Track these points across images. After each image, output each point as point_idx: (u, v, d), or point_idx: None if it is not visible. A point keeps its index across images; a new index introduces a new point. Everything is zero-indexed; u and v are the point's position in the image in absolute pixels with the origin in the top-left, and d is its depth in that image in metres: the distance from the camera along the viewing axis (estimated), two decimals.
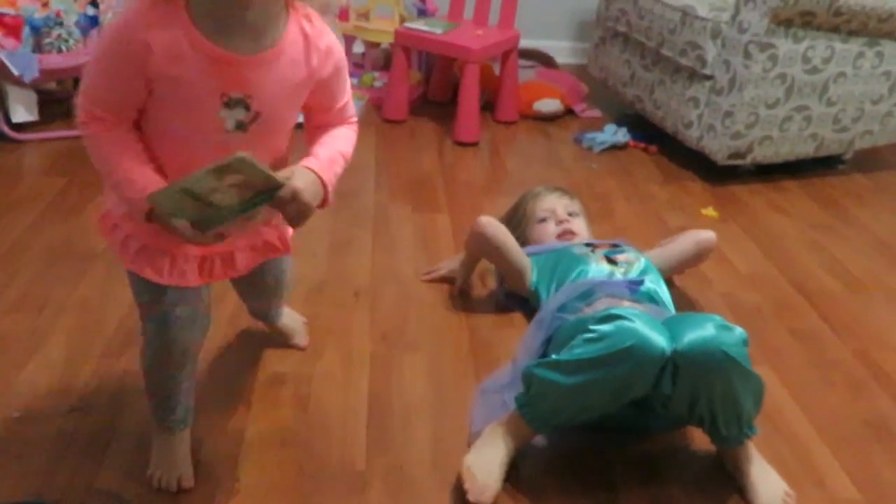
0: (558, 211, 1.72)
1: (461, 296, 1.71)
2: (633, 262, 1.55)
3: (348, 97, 1.04)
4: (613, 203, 2.22)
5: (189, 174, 0.81)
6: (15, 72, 2.09)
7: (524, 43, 2.83)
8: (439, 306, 1.67)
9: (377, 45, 2.95)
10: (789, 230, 2.16)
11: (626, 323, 1.12)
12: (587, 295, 1.41)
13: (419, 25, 2.63)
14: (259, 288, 1.27)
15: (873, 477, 1.30)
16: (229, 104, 0.87)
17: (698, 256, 1.70)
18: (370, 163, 2.36)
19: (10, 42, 2.22)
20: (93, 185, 2.02)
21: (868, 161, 2.66)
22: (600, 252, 1.58)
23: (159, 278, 0.98)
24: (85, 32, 2.34)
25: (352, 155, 1.05)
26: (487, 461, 1.19)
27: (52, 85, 2.52)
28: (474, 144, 2.57)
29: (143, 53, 0.83)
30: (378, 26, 2.80)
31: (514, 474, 1.22)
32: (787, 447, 1.33)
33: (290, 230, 1.13)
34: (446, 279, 1.74)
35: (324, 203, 0.97)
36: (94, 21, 2.35)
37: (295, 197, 0.89)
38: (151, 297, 1.01)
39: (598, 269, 1.51)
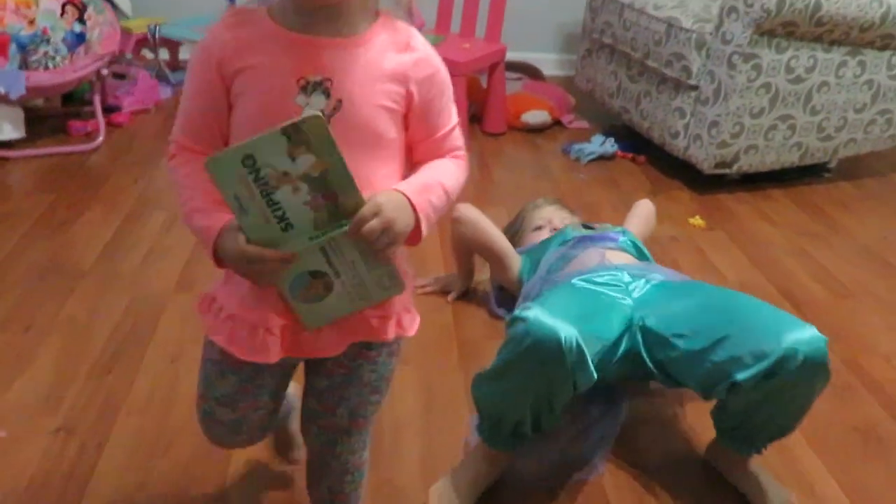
0: (554, 220, 1.74)
1: (452, 306, 1.71)
2: (609, 226, 1.65)
3: (453, 125, 0.88)
4: (602, 213, 2.23)
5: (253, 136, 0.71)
6: (1, 89, 2.08)
7: (511, 55, 2.84)
8: (428, 319, 1.66)
9: None
10: (776, 238, 2.17)
11: (522, 325, 1.10)
12: (572, 247, 1.51)
13: None
14: (326, 421, 0.96)
15: (862, 483, 1.31)
16: (307, 89, 0.77)
17: (649, 224, 1.81)
18: None
19: None
20: (79, 202, 2.02)
21: (853, 169, 2.69)
22: (578, 222, 1.71)
23: (236, 350, 0.85)
24: (72, 49, 2.35)
25: (456, 189, 0.86)
26: (456, 485, 1.20)
27: (39, 102, 2.52)
28: None
29: (219, 53, 0.78)
30: None
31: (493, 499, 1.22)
32: (776, 455, 1.33)
33: (404, 330, 0.91)
34: (438, 292, 1.75)
35: (415, 235, 0.80)
36: (80, 38, 2.36)
37: (378, 213, 0.75)
38: (203, 386, 0.93)
39: (575, 231, 1.61)
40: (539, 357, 1.08)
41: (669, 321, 1.23)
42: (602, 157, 2.63)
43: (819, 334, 1.11)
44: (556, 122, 2.93)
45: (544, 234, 1.71)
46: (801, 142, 2.40)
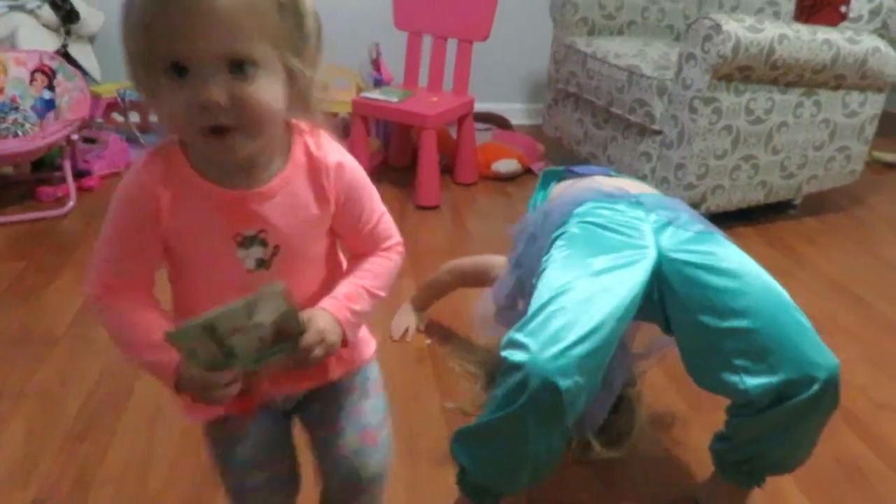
0: None
1: (430, 354, 1.70)
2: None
3: (378, 218, 0.90)
4: None
5: (217, 308, 0.73)
6: None
7: (479, 107, 2.90)
8: (408, 371, 1.66)
9: (335, 114, 3.00)
10: None
11: (517, 374, 1.03)
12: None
13: (376, 95, 2.69)
14: (338, 445, 0.98)
15: None
16: (244, 243, 0.80)
17: None
18: None
19: None
20: (50, 269, 2.00)
21: (817, 204, 2.76)
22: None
23: (211, 413, 0.88)
24: (42, 116, 2.35)
25: (387, 284, 0.91)
26: None
27: (9, 169, 2.51)
28: (436, 207, 2.61)
29: (154, 208, 0.77)
30: (336, 97, 2.86)
31: None
32: (760, 492, 1.33)
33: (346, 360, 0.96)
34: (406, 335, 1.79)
35: (344, 343, 0.86)
36: (50, 104, 2.36)
37: (322, 340, 0.81)
38: (222, 463, 0.93)
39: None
40: (537, 409, 1.03)
41: (698, 290, 1.15)
42: None
43: (836, 359, 1.10)
44: (527, 170, 2.97)
45: None
46: (766, 180, 2.46)
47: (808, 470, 1.40)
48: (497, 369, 1.10)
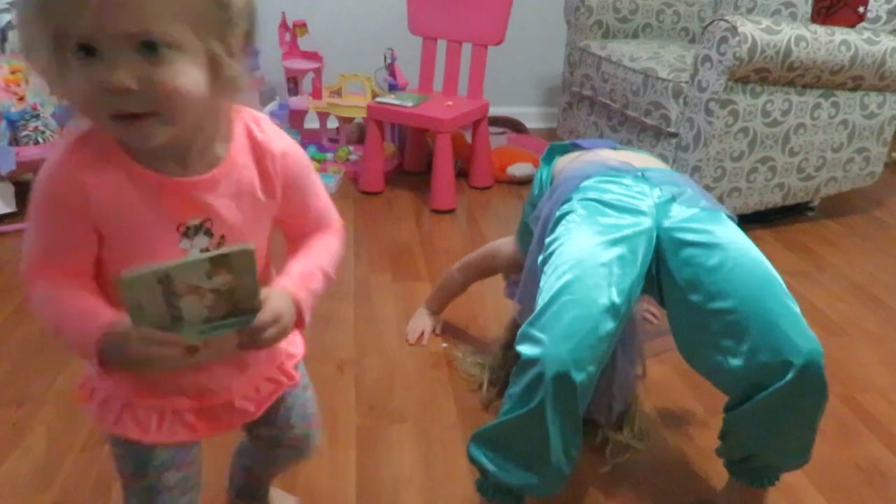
0: None
1: (447, 359, 1.70)
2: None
3: (324, 201, 0.89)
4: None
5: (176, 259, 0.68)
6: None
7: (493, 111, 2.91)
8: (424, 375, 1.67)
9: (350, 119, 3.02)
10: None
11: (533, 369, 1.06)
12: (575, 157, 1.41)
13: (390, 99, 2.70)
14: (287, 437, 1.01)
15: None
16: (188, 233, 0.76)
17: None
18: (349, 235, 2.38)
19: None
20: None
21: (836, 207, 2.73)
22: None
23: (144, 436, 0.83)
24: (61, 123, 2.38)
25: (335, 262, 0.89)
26: None
27: (30, 175, 2.54)
28: (451, 211, 2.61)
29: (82, 197, 0.71)
30: (350, 102, 2.87)
31: None
32: (781, 498, 1.32)
33: (294, 359, 0.95)
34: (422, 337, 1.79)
35: (299, 324, 0.81)
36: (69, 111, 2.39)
37: (276, 321, 0.75)
38: (136, 465, 0.87)
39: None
40: (555, 403, 1.04)
41: (690, 269, 1.16)
42: None
43: (818, 346, 1.09)
44: None
45: None
46: (783, 182, 2.44)
47: (827, 473, 1.39)
48: (507, 370, 1.11)
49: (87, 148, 0.71)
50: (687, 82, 2.31)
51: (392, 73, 3.02)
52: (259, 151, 0.79)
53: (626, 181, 1.28)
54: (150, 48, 0.63)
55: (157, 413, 0.83)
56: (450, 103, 2.70)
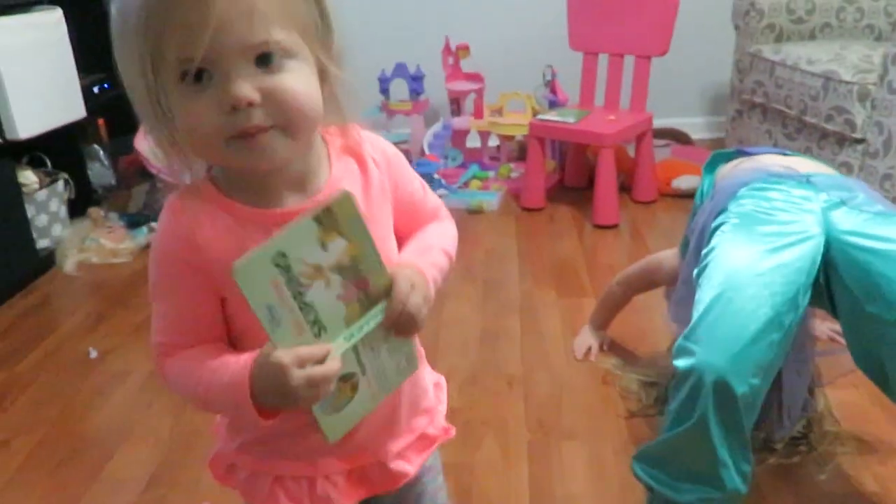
0: None
1: (613, 374, 1.69)
2: None
3: (430, 197, 0.82)
4: None
5: (281, 230, 0.61)
6: None
7: (657, 122, 2.85)
8: (593, 391, 1.67)
9: (511, 137, 3.07)
10: None
11: (690, 378, 1.04)
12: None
13: (552, 116, 2.72)
14: None
15: None
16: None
17: None
18: (512, 252, 2.42)
19: None
20: None
21: None
22: None
23: None
24: None
25: (453, 246, 0.81)
26: None
27: None
28: (614, 226, 2.58)
29: (195, 255, 0.67)
30: (511, 120, 2.93)
31: None
32: None
33: (442, 414, 0.87)
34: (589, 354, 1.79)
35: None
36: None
37: (414, 288, 0.67)
38: None
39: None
40: (715, 413, 1.03)
41: (866, 277, 1.09)
42: None
43: None
44: None
45: None
46: None
47: None
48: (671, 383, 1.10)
49: (190, 202, 0.68)
50: (875, 84, 2.15)
51: (552, 90, 3.04)
52: (359, 160, 0.74)
53: (788, 187, 1.22)
54: (265, 59, 0.60)
55: (307, 482, 0.77)
56: (612, 117, 2.68)
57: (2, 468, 1.50)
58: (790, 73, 2.47)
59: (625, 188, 2.82)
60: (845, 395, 1.54)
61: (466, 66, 3.11)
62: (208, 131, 0.61)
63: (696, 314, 1.09)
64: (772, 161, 1.35)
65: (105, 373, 1.83)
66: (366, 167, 0.73)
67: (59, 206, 2.47)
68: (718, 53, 3.19)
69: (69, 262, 2.39)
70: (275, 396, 0.63)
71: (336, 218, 0.62)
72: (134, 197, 2.81)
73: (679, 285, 1.36)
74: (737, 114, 2.87)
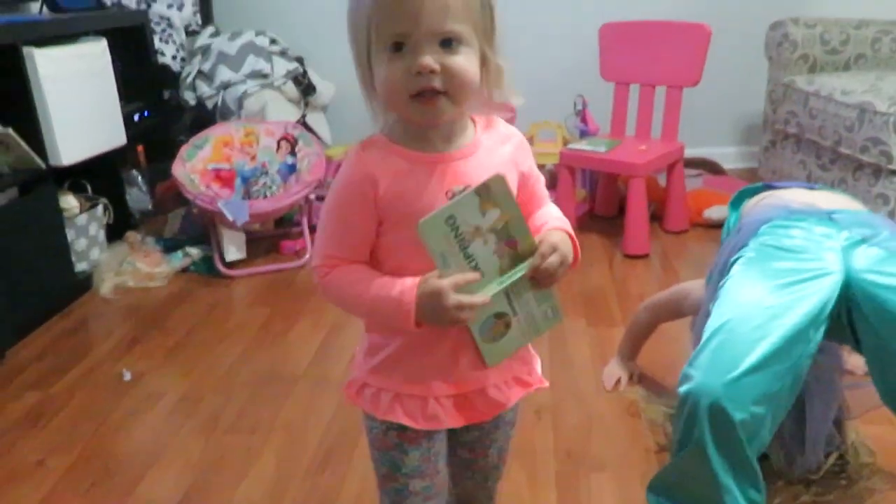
0: None
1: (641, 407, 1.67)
2: None
3: (543, 185, 1.01)
4: None
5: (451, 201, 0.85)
6: (230, 218, 2.40)
7: (689, 152, 2.84)
8: (622, 422, 1.65)
9: (542, 166, 3.08)
10: None
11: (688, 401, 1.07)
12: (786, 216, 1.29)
13: (583, 146, 2.73)
14: (480, 464, 1.09)
15: None
16: (454, 196, 0.88)
17: None
18: None
19: (225, 192, 2.57)
20: (291, 314, 2.24)
21: None
22: None
23: (414, 423, 0.94)
24: (285, 178, 2.66)
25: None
26: None
27: (256, 226, 2.85)
28: (644, 256, 2.57)
29: (372, 187, 0.87)
30: (542, 149, 2.94)
31: None
32: None
33: (538, 366, 1.03)
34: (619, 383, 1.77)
35: (575, 260, 0.91)
36: (292, 168, 2.67)
37: (555, 249, 0.87)
38: (391, 468, 0.99)
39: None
40: (715, 439, 1.04)
41: (890, 315, 1.09)
42: None
43: None
44: None
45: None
46: None
47: None
48: None
49: (371, 149, 0.90)
50: None
51: (583, 120, 3.06)
52: (502, 134, 0.94)
53: (810, 224, 1.22)
54: (447, 43, 0.82)
55: (420, 401, 0.94)
56: (643, 147, 2.68)
57: (36, 487, 1.53)
58: (824, 104, 2.45)
59: (656, 218, 2.81)
60: (880, 431, 1.50)
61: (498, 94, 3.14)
62: (399, 87, 0.82)
63: (703, 338, 1.12)
64: (796, 196, 1.35)
65: (138, 395, 1.86)
66: (506, 139, 0.94)
67: (97, 231, 2.54)
68: (751, 83, 3.19)
69: (106, 286, 2.45)
70: (432, 312, 0.84)
71: (492, 193, 0.84)
72: (170, 222, 2.87)
73: (699, 317, 1.36)
74: (770, 144, 2.85)
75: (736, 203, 1.48)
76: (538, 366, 1.03)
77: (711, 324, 1.12)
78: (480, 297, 0.85)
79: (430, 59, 0.81)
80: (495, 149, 0.92)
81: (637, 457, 1.53)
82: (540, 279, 0.88)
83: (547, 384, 1.02)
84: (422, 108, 0.84)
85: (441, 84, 0.82)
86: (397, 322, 0.87)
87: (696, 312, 1.59)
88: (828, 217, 1.24)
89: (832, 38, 2.74)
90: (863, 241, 1.18)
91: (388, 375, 0.95)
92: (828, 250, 1.17)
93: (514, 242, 0.87)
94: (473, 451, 1.06)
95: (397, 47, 0.82)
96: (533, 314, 0.91)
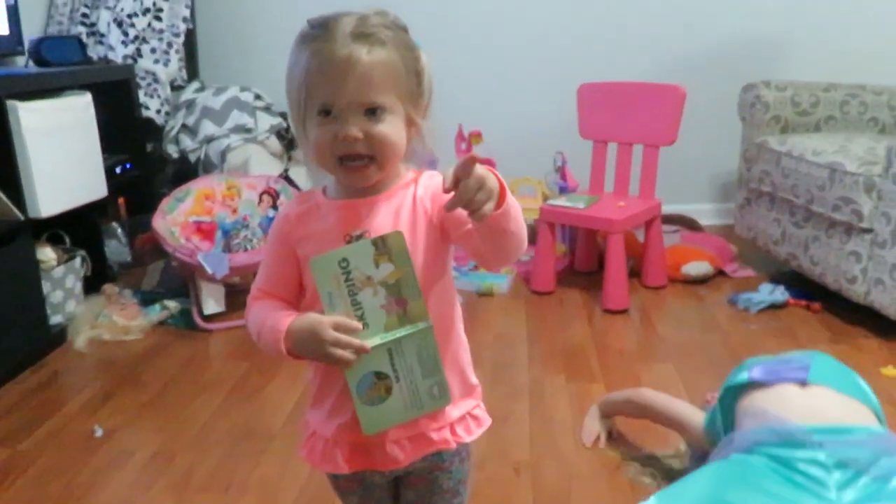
0: None
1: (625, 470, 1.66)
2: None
3: None
4: None
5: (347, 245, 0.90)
6: (209, 271, 2.39)
7: (666, 208, 2.88)
8: (603, 481, 1.63)
9: None
10: None
11: None
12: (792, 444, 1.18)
13: (562, 202, 2.77)
14: None
15: None
16: (351, 241, 0.93)
17: None
18: (522, 335, 2.42)
19: (205, 245, 2.56)
20: (269, 369, 2.22)
21: None
22: None
23: (311, 459, 1.01)
24: (266, 232, 2.67)
25: (520, 215, 0.91)
26: None
27: (236, 279, 2.84)
28: (624, 311, 2.58)
29: (287, 226, 0.97)
30: (523, 205, 2.94)
31: None
32: None
33: (460, 437, 1.00)
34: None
35: (500, 198, 0.84)
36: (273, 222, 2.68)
37: (481, 185, 0.80)
38: (340, 498, 1.08)
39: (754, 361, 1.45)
40: None
41: None
42: (773, 306, 2.53)
43: None
44: (719, 273, 2.87)
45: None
46: None
47: None
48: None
49: (301, 198, 1.01)
50: (880, 175, 2.18)
51: (563, 176, 3.11)
52: (415, 186, 0.97)
53: (797, 461, 1.13)
54: (372, 111, 0.89)
55: (322, 441, 0.99)
56: (622, 204, 2.72)
57: None
58: (796, 164, 2.51)
59: (635, 273, 2.83)
60: None
61: (479, 151, 3.19)
62: (326, 150, 0.90)
63: None
64: (786, 404, 1.26)
65: (109, 452, 1.81)
66: (417, 188, 0.96)
67: (74, 283, 2.51)
68: (726, 143, 3.27)
69: (80, 339, 2.41)
70: (308, 342, 0.88)
71: (388, 246, 0.86)
72: (148, 274, 2.85)
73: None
74: (745, 201, 2.90)
75: (723, 400, 1.43)
76: (462, 430, 1.00)
77: None
78: (363, 342, 0.87)
79: (354, 129, 0.87)
80: (404, 199, 0.95)
81: None
82: (422, 353, 0.89)
83: (454, 445, 0.99)
84: (348, 174, 0.91)
85: (366, 149, 0.89)
86: (274, 351, 0.91)
87: (689, 442, 1.62)
88: (818, 446, 1.15)
89: (802, 100, 2.83)
90: (857, 475, 1.10)
91: (314, 415, 1.00)
92: (818, 496, 1.09)
93: (405, 302, 0.88)
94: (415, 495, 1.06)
95: (326, 113, 0.88)
96: (417, 388, 0.91)
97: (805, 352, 1.50)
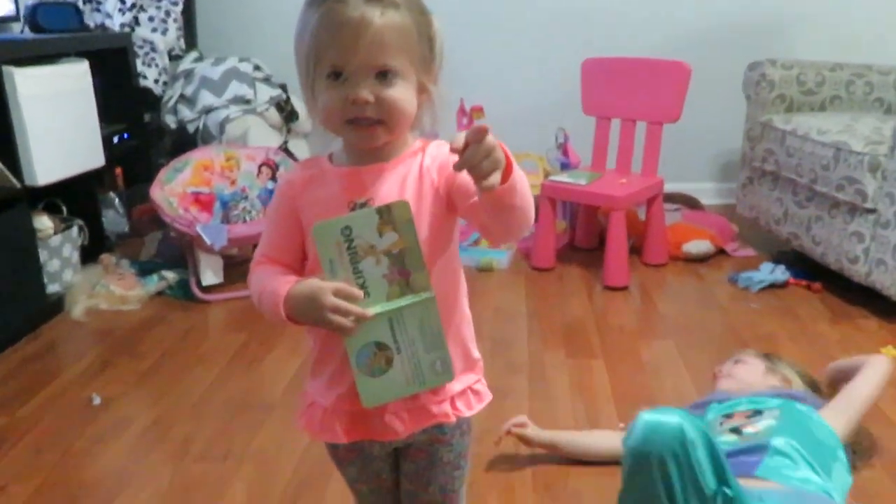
0: (726, 365, 1.68)
1: None
2: (761, 432, 1.34)
3: None
4: (779, 345, 2.12)
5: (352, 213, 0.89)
6: (208, 241, 2.37)
7: (668, 187, 2.86)
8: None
9: None
10: None
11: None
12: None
13: (563, 178, 2.75)
14: (422, 499, 1.06)
15: None
16: (355, 209, 0.91)
17: (872, 396, 1.52)
18: (522, 311, 2.41)
19: (204, 216, 2.54)
20: (268, 340, 2.21)
21: None
22: (727, 426, 1.41)
23: (310, 429, 1.00)
24: (264, 204, 2.65)
25: (528, 189, 0.89)
26: None
27: (234, 250, 2.82)
28: (624, 288, 2.58)
29: (291, 191, 0.96)
30: None
31: None
32: None
33: (460, 411, 0.98)
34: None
35: (507, 172, 0.81)
36: (272, 194, 2.65)
37: (489, 153, 0.79)
38: (339, 468, 1.08)
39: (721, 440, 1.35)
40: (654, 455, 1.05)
41: None
42: (773, 286, 2.53)
43: None
44: (720, 251, 2.86)
45: (722, 385, 1.61)
46: None
47: None
48: None
49: (306, 164, 1.00)
50: (885, 155, 2.16)
51: (564, 152, 3.08)
52: (422, 155, 0.95)
53: None
54: (383, 75, 0.87)
55: (321, 410, 0.98)
56: (624, 181, 2.70)
57: None
58: (801, 143, 2.49)
59: (635, 250, 2.82)
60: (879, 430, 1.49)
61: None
62: (336, 114, 0.88)
63: None
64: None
65: (107, 420, 1.81)
66: (424, 158, 0.94)
67: (71, 252, 2.49)
68: (730, 121, 3.24)
69: (78, 308, 2.40)
70: (307, 308, 0.86)
71: (393, 216, 0.84)
72: (146, 245, 2.84)
73: None
74: (748, 181, 2.88)
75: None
76: (462, 400, 0.98)
77: None
78: (364, 309, 0.85)
79: (365, 92, 0.86)
80: (409, 167, 0.93)
81: (616, 489, 1.51)
82: (425, 326, 0.88)
83: (454, 419, 0.96)
84: (357, 133, 0.89)
85: (376, 113, 0.87)
86: (274, 315, 0.89)
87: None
88: None
89: (808, 79, 2.80)
90: None
91: (313, 384, 0.99)
92: None
93: (407, 272, 0.86)
94: (413, 484, 1.06)
95: (336, 76, 0.87)
96: (419, 361, 0.89)
97: (770, 418, 1.39)
